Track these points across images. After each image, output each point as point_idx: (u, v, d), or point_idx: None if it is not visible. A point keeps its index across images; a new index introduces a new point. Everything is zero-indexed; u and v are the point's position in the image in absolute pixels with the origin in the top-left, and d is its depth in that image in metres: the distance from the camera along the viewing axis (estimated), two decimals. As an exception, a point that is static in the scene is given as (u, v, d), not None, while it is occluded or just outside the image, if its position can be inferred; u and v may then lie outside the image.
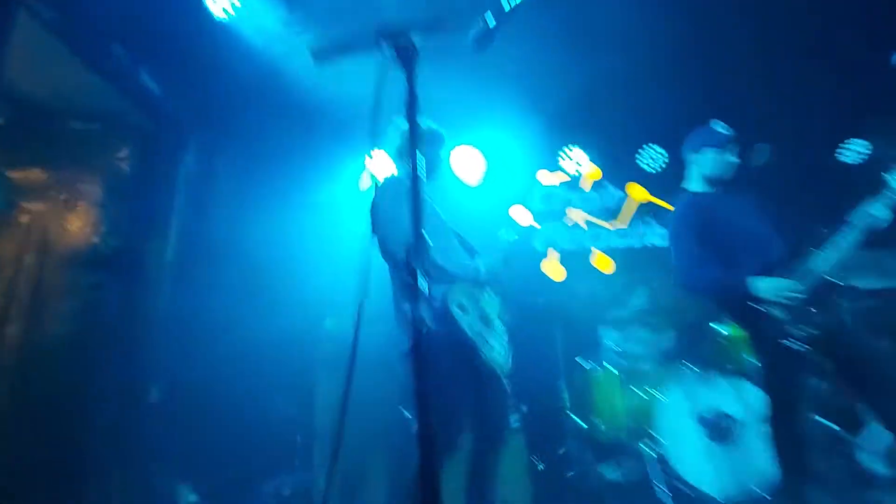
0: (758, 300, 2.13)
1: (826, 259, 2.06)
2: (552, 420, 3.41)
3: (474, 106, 4.27)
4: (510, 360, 2.02)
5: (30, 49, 2.35)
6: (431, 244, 1.85)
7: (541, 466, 3.29)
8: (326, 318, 3.43)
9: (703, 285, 2.32)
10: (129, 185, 2.79)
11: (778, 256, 2.22)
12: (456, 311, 1.85)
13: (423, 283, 1.51)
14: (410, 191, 1.16)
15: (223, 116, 3.17)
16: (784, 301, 2.07)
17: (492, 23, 1.33)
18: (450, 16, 1.31)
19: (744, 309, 2.18)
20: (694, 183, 2.51)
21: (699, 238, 2.31)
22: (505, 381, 1.99)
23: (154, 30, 2.72)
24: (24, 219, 2.56)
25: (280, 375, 3.06)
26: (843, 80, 4.14)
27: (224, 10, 2.89)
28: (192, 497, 2.70)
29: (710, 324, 3.37)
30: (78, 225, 2.64)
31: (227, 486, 2.82)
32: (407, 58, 1.21)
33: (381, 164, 2.31)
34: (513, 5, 1.34)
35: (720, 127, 2.53)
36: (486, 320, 1.95)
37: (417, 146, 1.19)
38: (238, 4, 2.92)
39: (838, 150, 4.92)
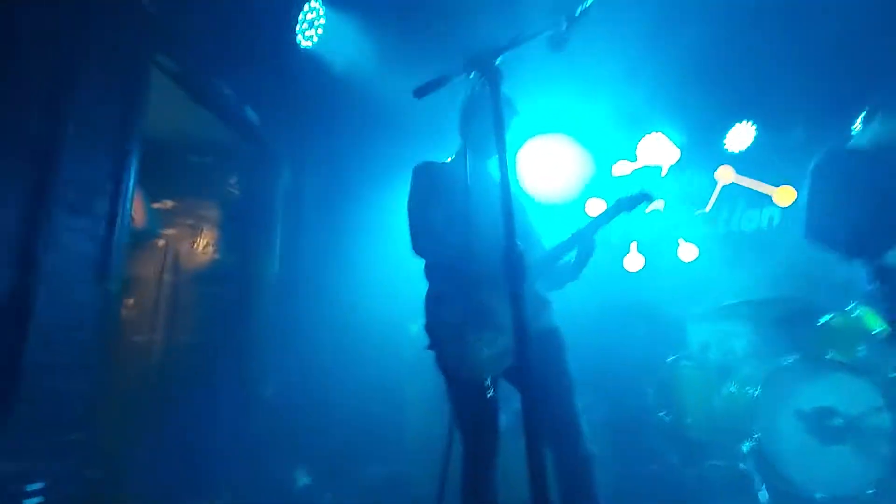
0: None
1: None
2: (638, 416, 3.41)
3: (546, 99, 4.31)
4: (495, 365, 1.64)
5: (157, 96, 2.77)
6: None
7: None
8: (411, 324, 3.65)
9: (840, 236, 2.24)
10: (239, 207, 3.19)
11: None
12: (428, 301, 1.72)
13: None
14: (501, 199, 1.22)
15: (312, 137, 3.50)
16: None
17: (564, 26, 1.41)
18: (527, 27, 1.40)
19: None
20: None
21: (847, 188, 2.24)
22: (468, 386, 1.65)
23: (253, 68, 3.09)
24: (161, 243, 3.03)
25: (372, 377, 3.34)
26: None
27: (310, 38, 3.20)
28: (305, 479, 3.07)
29: (813, 313, 3.19)
30: (202, 245, 3.07)
31: (333, 471, 3.16)
32: (494, 81, 1.31)
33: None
34: (583, 8, 1.41)
35: None
36: (479, 318, 1.64)
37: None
38: (321, 32, 3.22)
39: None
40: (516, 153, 4.58)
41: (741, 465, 2.87)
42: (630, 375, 3.57)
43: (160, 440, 2.82)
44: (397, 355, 3.47)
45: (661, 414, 3.50)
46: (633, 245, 4.74)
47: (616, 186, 4.90)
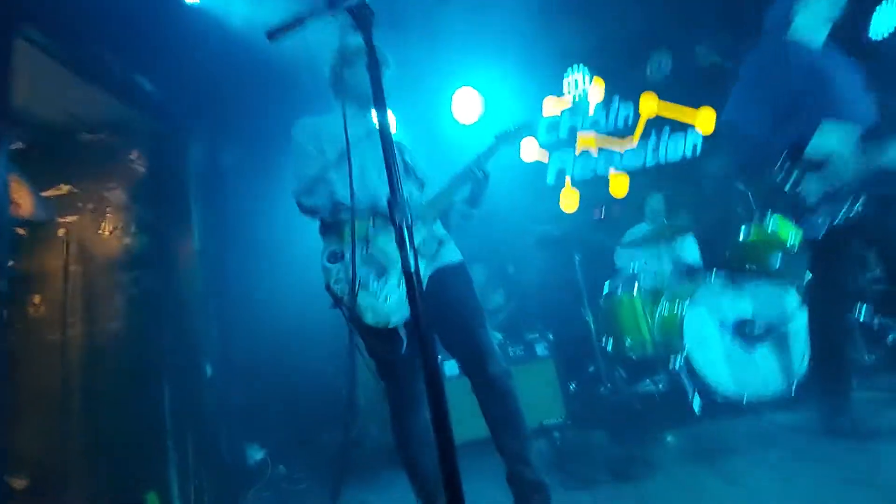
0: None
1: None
2: (579, 343, 3.53)
3: (471, 43, 4.23)
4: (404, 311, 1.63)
5: (32, 74, 2.49)
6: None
7: (572, 386, 3.46)
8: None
9: (751, 131, 2.24)
10: (146, 184, 2.97)
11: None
12: (323, 261, 1.68)
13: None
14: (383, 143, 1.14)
15: (219, 102, 3.27)
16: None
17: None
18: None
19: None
20: (806, 31, 2.21)
21: (762, 88, 2.19)
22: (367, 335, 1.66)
23: (139, 33, 2.81)
24: (62, 232, 2.79)
25: (316, 345, 3.28)
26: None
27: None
28: (259, 454, 3.03)
29: (733, 229, 3.35)
30: (109, 230, 2.86)
31: (285, 443, 3.13)
32: (363, 21, 1.22)
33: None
34: None
35: None
36: (379, 266, 1.68)
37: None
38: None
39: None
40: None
41: (677, 379, 3.04)
42: (570, 306, 3.67)
43: (95, 438, 2.69)
44: (341, 321, 3.40)
45: (603, 339, 3.63)
46: (568, 180, 4.81)
47: (548, 125, 4.92)
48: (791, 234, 3.11)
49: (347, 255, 1.65)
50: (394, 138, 2.00)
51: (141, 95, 2.97)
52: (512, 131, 1.96)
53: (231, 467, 2.93)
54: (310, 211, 1.74)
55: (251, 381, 3.10)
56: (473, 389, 1.73)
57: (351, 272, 1.60)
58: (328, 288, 1.66)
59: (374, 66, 1.22)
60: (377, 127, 1.22)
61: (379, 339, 1.65)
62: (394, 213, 1.10)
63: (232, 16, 3.05)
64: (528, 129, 1.99)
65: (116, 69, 2.78)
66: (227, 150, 3.42)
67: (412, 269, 1.07)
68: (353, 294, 1.58)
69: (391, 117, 4.61)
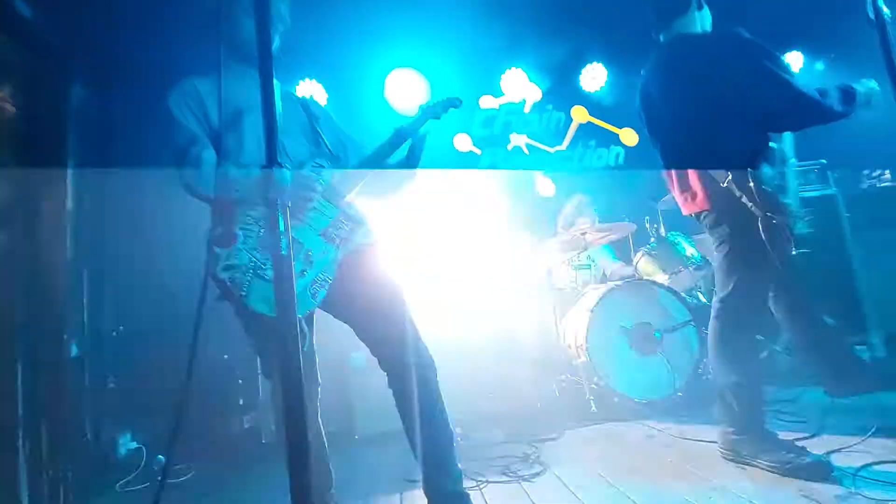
0: None
1: None
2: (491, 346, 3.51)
3: (413, 27, 4.08)
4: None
5: None
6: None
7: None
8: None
9: None
10: (15, 128, 2.53)
11: None
12: (210, 245, 1.51)
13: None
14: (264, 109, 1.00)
15: (111, 39, 2.84)
16: None
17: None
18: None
19: None
20: None
21: None
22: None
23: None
24: None
25: (210, 317, 2.98)
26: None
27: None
28: (132, 444, 2.73)
29: (643, 239, 3.52)
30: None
31: (165, 431, 2.83)
32: None
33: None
34: None
35: None
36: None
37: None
38: None
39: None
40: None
41: (578, 379, 3.14)
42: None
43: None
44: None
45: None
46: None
47: (483, 119, 4.89)
48: (689, 251, 3.33)
49: (240, 239, 1.47)
50: (310, 105, 1.85)
51: (16, 20, 2.52)
52: (439, 103, 1.84)
53: (97, 458, 2.61)
54: (191, 187, 1.51)
55: (127, 363, 2.76)
56: (391, 383, 1.60)
57: (243, 258, 1.45)
58: (215, 277, 1.45)
59: (264, 22, 1.05)
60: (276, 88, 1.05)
61: (274, 333, 1.49)
62: (267, 189, 0.94)
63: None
64: (452, 103, 1.86)
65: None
66: (117, 95, 2.98)
67: (282, 253, 0.94)
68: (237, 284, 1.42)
69: (317, 88, 4.39)
